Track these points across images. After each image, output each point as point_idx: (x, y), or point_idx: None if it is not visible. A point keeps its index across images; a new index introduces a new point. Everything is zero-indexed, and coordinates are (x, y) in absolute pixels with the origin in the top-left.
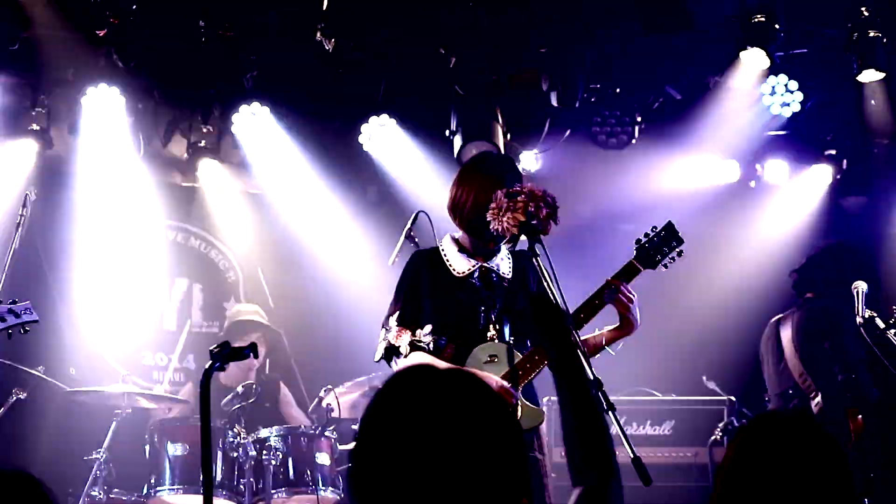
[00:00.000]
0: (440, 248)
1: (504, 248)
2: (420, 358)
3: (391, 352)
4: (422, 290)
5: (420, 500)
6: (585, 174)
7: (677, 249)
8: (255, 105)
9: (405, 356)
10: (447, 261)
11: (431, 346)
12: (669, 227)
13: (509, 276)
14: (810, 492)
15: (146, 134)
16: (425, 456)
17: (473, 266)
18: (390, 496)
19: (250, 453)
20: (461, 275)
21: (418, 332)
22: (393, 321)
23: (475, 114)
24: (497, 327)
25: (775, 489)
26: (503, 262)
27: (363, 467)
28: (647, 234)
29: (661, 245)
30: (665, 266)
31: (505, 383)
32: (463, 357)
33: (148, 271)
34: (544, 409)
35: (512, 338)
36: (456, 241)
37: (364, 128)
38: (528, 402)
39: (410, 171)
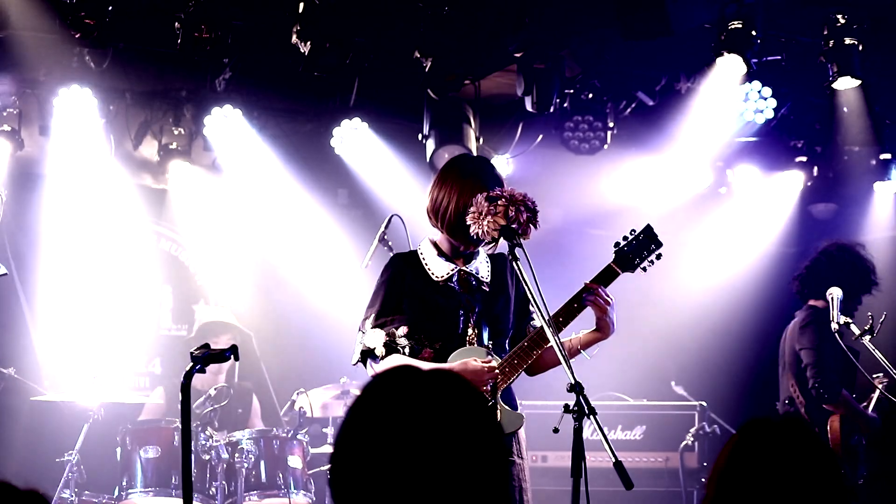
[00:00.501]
0: (419, 252)
1: (482, 252)
2: (398, 361)
3: (367, 355)
4: (400, 294)
5: (401, 501)
6: (557, 179)
7: (656, 252)
8: (228, 107)
9: (381, 358)
10: (426, 264)
11: (408, 349)
12: (648, 230)
13: (488, 280)
14: (804, 497)
15: (117, 135)
16: (408, 457)
17: (452, 270)
18: (371, 497)
19: (222, 456)
20: (440, 279)
21: (394, 333)
22: (369, 324)
23: (448, 118)
24: (476, 331)
25: (769, 494)
26: (482, 266)
27: (345, 469)
28: (625, 237)
29: (639, 248)
30: (644, 269)
31: (487, 364)
32: (442, 361)
33: (117, 274)
34: (523, 413)
35: (490, 342)
36: (434, 244)
37: (336, 131)
38: (507, 407)
39: (382, 175)
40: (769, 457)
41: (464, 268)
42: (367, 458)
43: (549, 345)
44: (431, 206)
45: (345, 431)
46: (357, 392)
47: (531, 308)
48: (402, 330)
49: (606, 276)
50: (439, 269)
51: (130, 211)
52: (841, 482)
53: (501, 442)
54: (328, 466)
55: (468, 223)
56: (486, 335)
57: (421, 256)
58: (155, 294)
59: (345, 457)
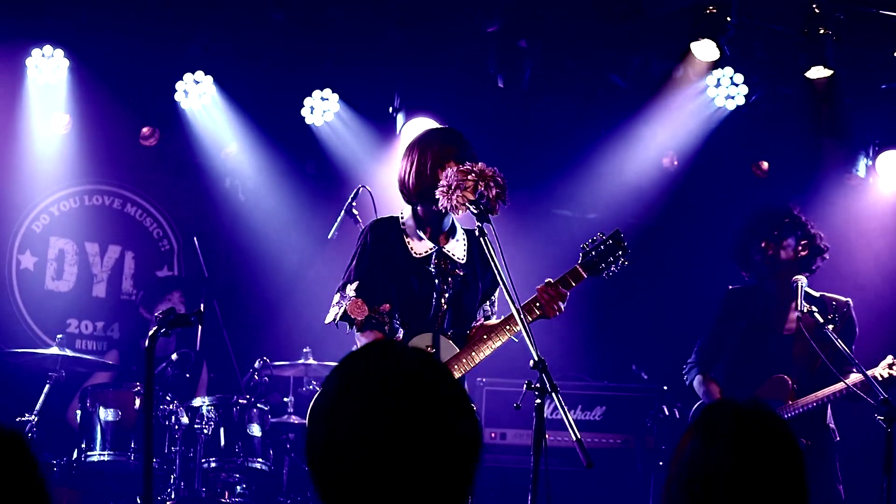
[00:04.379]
0: (400, 220)
1: (460, 229)
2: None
3: (347, 320)
4: (383, 266)
5: (381, 478)
6: (523, 157)
7: (622, 260)
8: (199, 74)
9: (360, 331)
10: (406, 238)
11: (388, 328)
12: (616, 235)
13: (464, 262)
14: (767, 479)
15: (90, 98)
16: (394, 434)
17: (432, 249)
18: (350, 472)
19: (182, 421)
20: (419, 256)
21: (377, 308)
22: (351, 290)
23: (419, 91)
24: (442, 317)
25: (729, 475)
26: (459, 245)
27: (328, 442)
28: (593, 241)
29: (606, 254)
30: (608, 274)
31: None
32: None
33: (81, 237)
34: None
35: (452, 330)
36: (416, 214)
37: (307, 101)
38: None
39: (351, 146)
40: (730, 439)
41: (443, 248)
42: (354, 434)
43: (510, 335)
44: (401, 177)
45: (333, 401)
46: (346, 362)
47: (493, 297)
48: (385, 307)
49: (572, 278)
50: (419, 246)
51: (98, 173)
52: (800, 468)
53: (480, 431)
54: (309, 436)
55: (437, 196)
56: (448, 322)
57: (402, 226)
58: (117, 259)
59: (330, 428)
